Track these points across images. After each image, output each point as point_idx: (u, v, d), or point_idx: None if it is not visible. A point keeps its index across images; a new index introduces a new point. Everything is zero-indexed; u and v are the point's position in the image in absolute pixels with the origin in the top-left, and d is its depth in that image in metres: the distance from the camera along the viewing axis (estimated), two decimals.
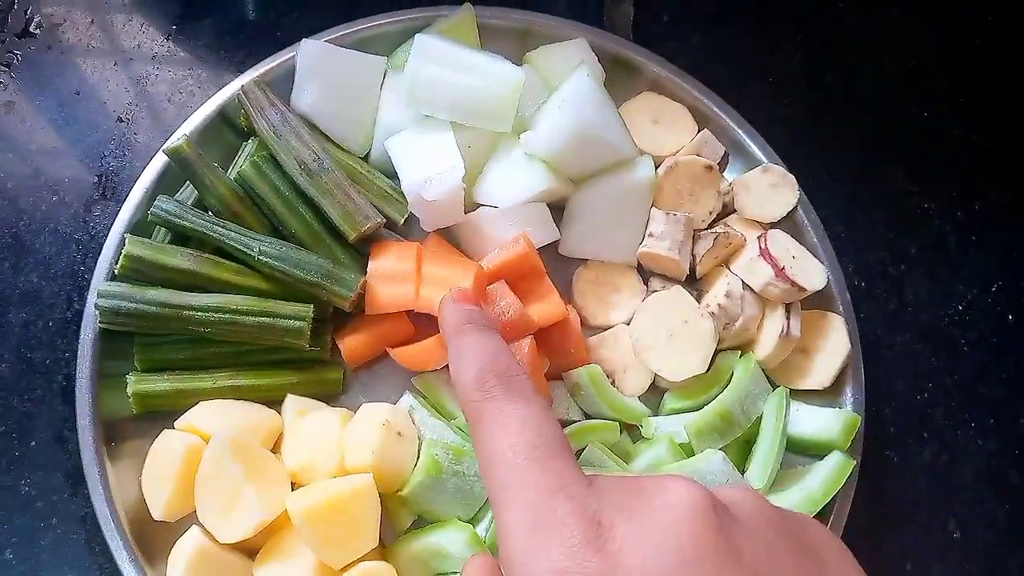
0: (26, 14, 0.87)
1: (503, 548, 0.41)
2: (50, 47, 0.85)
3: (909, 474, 0.79)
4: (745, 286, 0.74)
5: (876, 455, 0.79)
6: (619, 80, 0.83)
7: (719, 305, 0.73)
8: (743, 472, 0.71)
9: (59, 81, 0.84)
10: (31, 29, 0.86)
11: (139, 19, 0.88)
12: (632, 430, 0.75)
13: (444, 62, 0.73)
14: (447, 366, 0.71)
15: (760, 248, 0.73)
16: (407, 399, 0.72)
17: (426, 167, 0.72)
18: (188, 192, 0.75)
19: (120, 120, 0.83)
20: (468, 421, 0.49)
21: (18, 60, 0.85)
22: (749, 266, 0.74)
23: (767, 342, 0.74)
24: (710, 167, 0.77)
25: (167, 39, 0.87)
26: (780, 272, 0.72)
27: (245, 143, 0.77)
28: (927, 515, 0.78)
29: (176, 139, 0.72)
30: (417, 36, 0.73)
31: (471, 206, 0.77)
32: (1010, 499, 0.79)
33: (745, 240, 0.76)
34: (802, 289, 0.72)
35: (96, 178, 0.81)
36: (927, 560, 0.76)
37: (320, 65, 0.76)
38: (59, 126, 0.82)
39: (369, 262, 0.73)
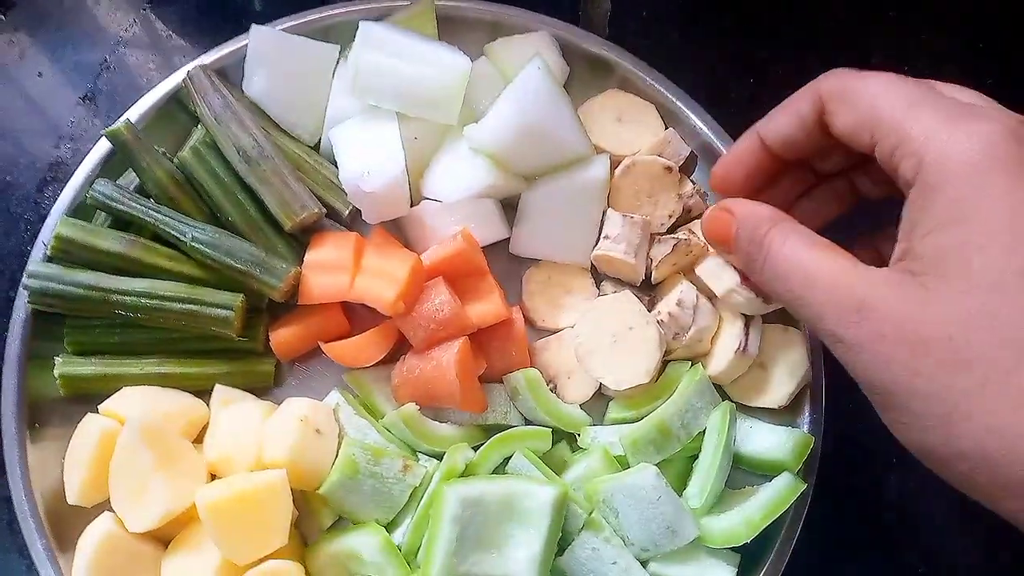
0: None
1: None
2: (16, 28, 0.86)
3: (874, 501, 0.74)
4: (701, 295, 0.70)
5: (840, 479, 0.73)
6: (589, 76, 0.80)
7: (669, 313, 0.69)
8: (683, 489, 0.67)
9: (22, 62, 0.84)
10: None
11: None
12: (573, 439, 0.71)
13: (389, 50, 0.70)
14: (379, 363, 0.70)
15: None
16: (334, 396, 0.70)
17: (366, 158, 0.70)
18: (133, 176, 0.74)
19: (81, 102, 0.83)
20: None
21: None
22: (715, 270, 0.70)
23: (722, 357, 0.70)
24: (670, 168, 0.73)
25: (135, 22, 0.86)
26: (746, 280, 0.67)
27: (195, 128, 0.75)
28: (891, 546, 0.73)
29: (119, 122, 0.71)
30: (361, 23, 0.71)
31: (419, 200, 0.74)
32: (979, 532, 0.73)
33: (708, 248, 0.72)
34: (766, 301, 0.68)
35: (51, 160, 0.81)
36: None
37: (270, 52, 0.74)
38: (19, 108, 0.83)
39: (307, 252, 0.71)
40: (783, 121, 0.56)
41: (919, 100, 0.47)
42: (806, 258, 0.49)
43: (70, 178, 0.76)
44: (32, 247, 0.77)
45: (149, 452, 0.63)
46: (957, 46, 0.89)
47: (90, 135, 0.82)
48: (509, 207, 0.76)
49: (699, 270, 0.71)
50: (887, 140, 0.47)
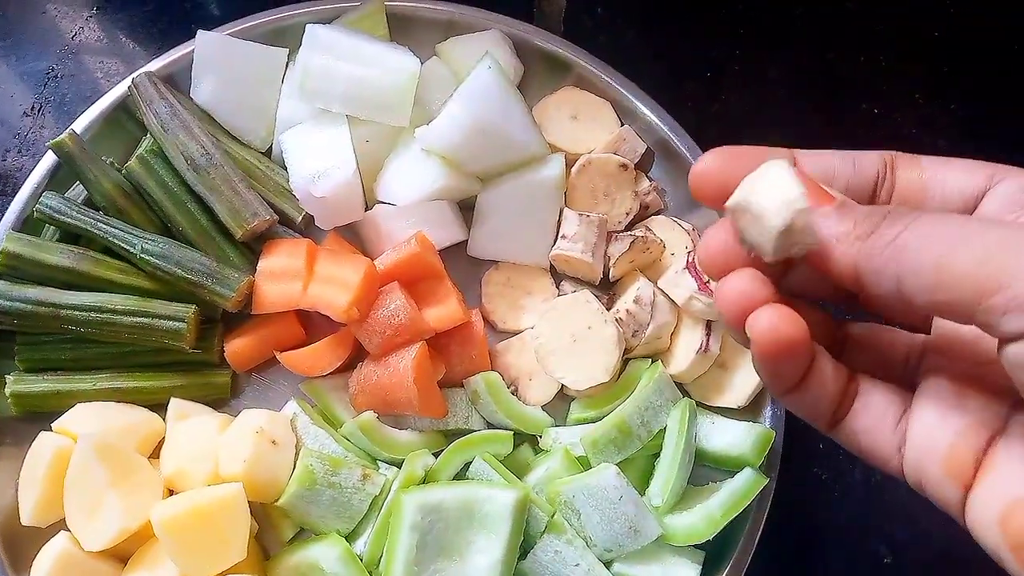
0: None
1: None
2: None
3: (838, 493, 0.74)
4: (658, 292, 0.70)
5: (803, 471, 0.74)
6: (544, 75, 0.79)
7: (627, 311, 0.69)
8: (646, 488, 0.66)
9: None
10: None
11: (55, 6, 0.85)
12: (536, 441, 0.71)
13: (336, 52, 0.69)
14: (336, 371, 0.69)
15: (687, 262, 0.69)
16: (291, 406, 0.69)
17: (316, 162, 0.69)
18: (82, 188, 0.73)
19: (27, 114, 0.81)
20: None
21: None
22: (673, 279, 0.70)
23: (683, 357, 0.70)
24: (625, 166, 0.73)
25: (82, 29, 0.84)
26: (704, 286, 0.67)
27: (143, 137, 0.74)
28: (856, 538, 0.73)
29: (63, 134, 0.70)
30: (308, 26, 0.70)
31: (374, 203, 0.73)
32: (946, 521, 0.72)
33: (664, 246, 0.72)
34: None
35: (5, 167, 0.79)
36: None
37: (217, 57, 0.73)
38: None
39: (259, 260, 0.70)
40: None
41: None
42: (959, 225, 0.33)
43: (17, 191, 0.75)
44: None
45: (103, 469, 0.62)
46: (919, 44, 0.89)
47: (38, 147, 0.81)
48: (467, 208, 0.75)
49: (660, 281, 0.71)
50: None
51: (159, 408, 0.69)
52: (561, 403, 0.72)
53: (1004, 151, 0.45)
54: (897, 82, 0.87)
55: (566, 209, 0.72)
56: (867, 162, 0.40)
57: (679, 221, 0.74)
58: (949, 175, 0.39)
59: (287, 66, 0.75)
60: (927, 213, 0.35)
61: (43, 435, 0.66)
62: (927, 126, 0.86)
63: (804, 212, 0.34)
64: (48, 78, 0.82)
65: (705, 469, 0.70)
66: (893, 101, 0.86)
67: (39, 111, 0.82)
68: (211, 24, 0.75)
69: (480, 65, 0.70)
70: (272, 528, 0.67)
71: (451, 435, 0.70)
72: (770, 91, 0.87)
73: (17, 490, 0.66)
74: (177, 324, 0.67)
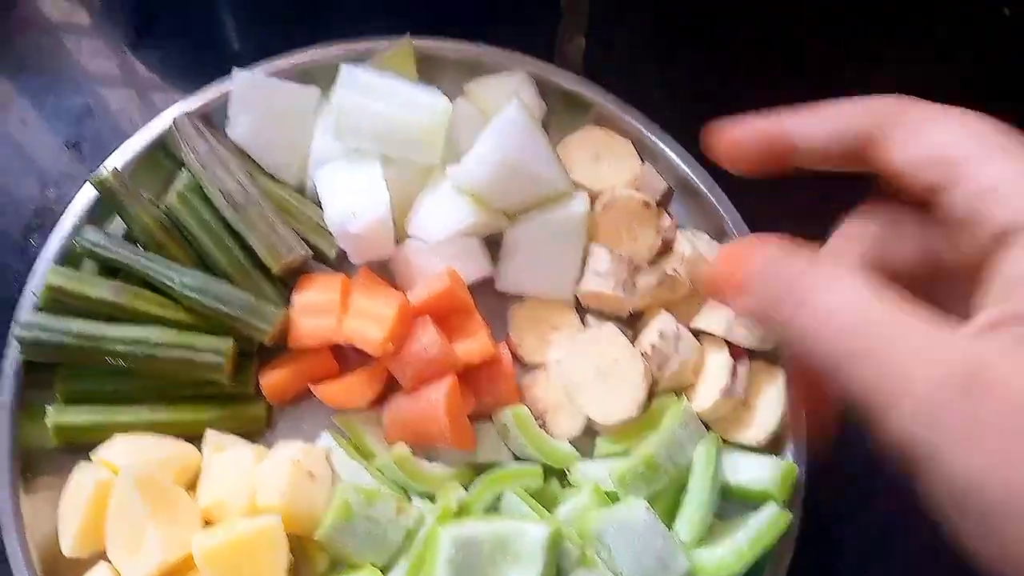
0: None
1: None
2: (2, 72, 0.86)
3: (859, 530, 0.75)
4: (681, 327, 0.72)
5: (825, 508, 0.74)
6: (565, 114, 0.81)
7: (652, 345, 0.71)
8: (672, 522, 0.68)
9: (5, 109, 0.84)
10: None
11: (95, 42, 0.88)
12: (563, 474, 0.72)
13: (370, 92, 0.72)
14: (372, 404, 0.71)
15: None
16: (326, 439, 0.70)
17: (351, 199, 0.71)
18: (120, 221, 0.74)
19: (65, 148, 0.83)
20: None
21: None
22: (710, 313, 0.72)
23: (707, 396, 0.71)
24: (648, 204, 0.75)
25: (116, 67, 0.87)
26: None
27: (179, 173, 0.76)
28: (879, 570, 0.74)
29: (105, 169, 0.72)
30: (343, 66, 0.72)
31: (404, 238, 0.75)
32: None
33: (690, 287, 0.74)
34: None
35: (37, 207, 0.81)
36: None
37: (253, 95, 0.75)
38: (4, 155, 0.83)
39: (293, 295, 0.72)
40: (818, 127, 0.46)
41: (1005, 143, 0.39)
42: (866, 310, 0.36)
43: (56, 224, 0.77)
44: (20, 295, 0.78)
45: (144, 502, 0.63)
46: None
47: (75, 181, 0.82)
48: (492, 243, 0.77)
49: (697, 318, 0.72)
50: (966, 184, 0.39)
51: (195, 440, 0.71)
52: (587, 436, 0.74)
53: None
54: None
55: (595, 246, 0.74)
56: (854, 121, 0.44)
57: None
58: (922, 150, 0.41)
59: (318, 104, 0.77)
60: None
61: (83, 465, 0.68)
62: None
63: None
64: (84, 114, 0.84)
65: (728, 503, 0.71)
66: None
67: (76, 147, 0.84)
68: (236, 60, 0.77)
69: (509, 106, 0.72)
70: (306, 562, 0.68)
71: (480, 468, 0.71)
72: None
73: (56, 520, 0.68)
74: (216, 357, 0.68)
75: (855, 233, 0.46)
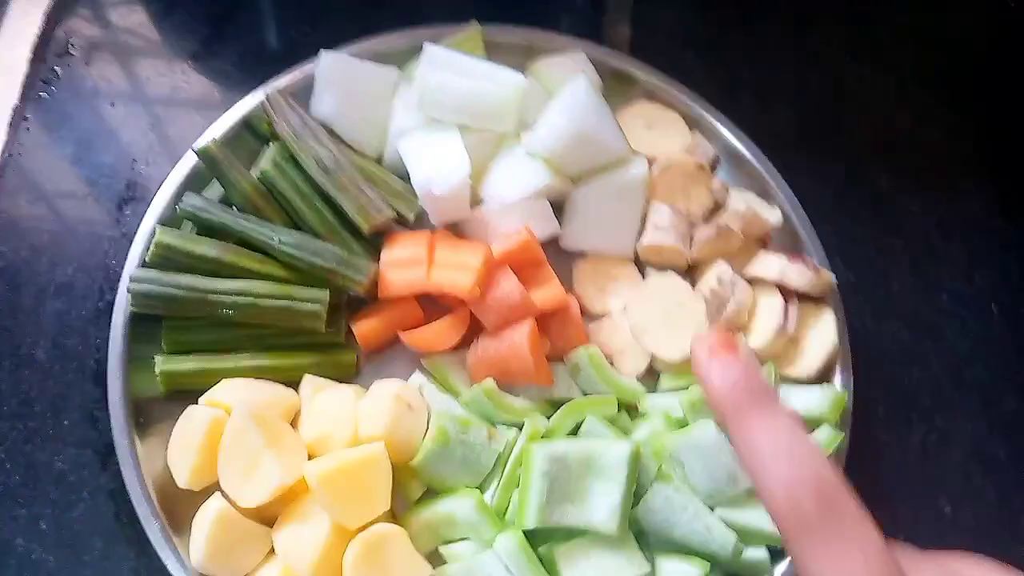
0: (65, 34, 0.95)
1: None
2: (87, 63, 0.93)
3: (900, 455, 0.82)
4: (736, 275, 0.79)
5: (868, 438, 0.82)
6: (616, 90, 0.89)
7: (711, 290, 0.78)
8: None
9: (96, 94, 0.91)
10: (68, 48, 0.94)
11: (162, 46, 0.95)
12: (631, 410, 0.79)
13: (451, 69, 0.79)
14: (454, 348, 0.77)
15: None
16: (417, 377, 0.76)
17: (434, 165, 0.78)
18: (211, 192, 0.81)
19: (150, 129, 0.90)
20: (784, 538, 0.42)
21: (58, 75, 0.92)
22: (763, 260, 0.79)
23: (762, 334, 0.78)
24: (701, 166, 0.82)
25: (182, 72, 0.94)
26: (794, 256, 0.77)
27: (265, 147, 0.82)
28: (919, 493, 0.81)
29: (204, 140, 0.78)
30: (426, 45, 0.80)
31: (477, 202, 0.82)
32: (998, 475, 0.82)
33: (743, 240, 0.81)
34: (819, 275, 0.77)
35: (127, 182, 0.87)
36: (920, 534, 0.79)
37: (337, 75, 0.83)
38: (96, 135, 0.89)
39: (383, 251, 0.78)
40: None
41: None
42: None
43: (147, 197, 0.83)
44: (114, 261, 0.84)
45: (259, 432, 0.68)
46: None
47: (160, 159, 0.88)
48: (555, 208, 0.84)
49: (748, 270, 0.80)
50: None
51: (291, 386, 0.77)
52: (648, 377, 0.80)
53: None
54: (925, 95, 0.98)
55: (655, 203, 0.81)
56: None
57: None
58: None
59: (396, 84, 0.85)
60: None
61: (193, 408, 0.73)
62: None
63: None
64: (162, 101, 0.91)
65: None
66: (923, 113, 0.98)
67: (157, 128, 0.90)
68: (276, 61, 0.85)
69: (576, 80, 0.80)
70: (398, 491, 0.73)
71: (555, 405, 0.77)
72: (813, 108, 0.97)
73: (166, 461, 0.73)
74: (315, 306, 0.74)
75: None
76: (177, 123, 0.91)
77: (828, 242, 0.84)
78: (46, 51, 0.93)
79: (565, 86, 0.80)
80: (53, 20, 0.95)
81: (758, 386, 0.47)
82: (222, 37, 0.96)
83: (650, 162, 0.83)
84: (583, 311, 0.83)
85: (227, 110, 0.83)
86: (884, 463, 0.82)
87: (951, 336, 0.87)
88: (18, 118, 0.90)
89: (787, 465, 0.43)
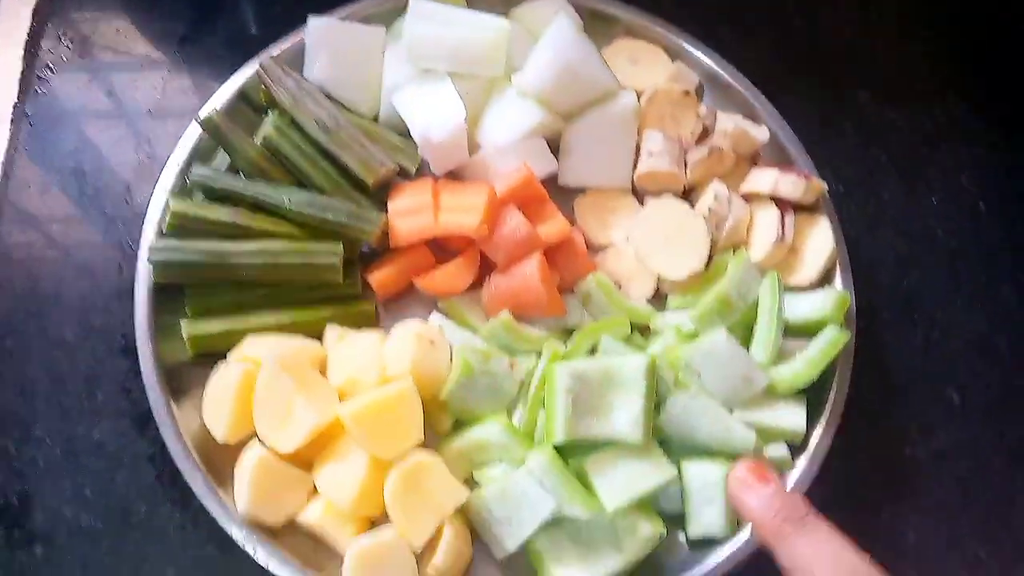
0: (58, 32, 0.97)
1: None
2: (82, 56, 0.95)
3: (906, 352, 0.86)
4: (731, 192, 0.82)
5: (872, 339, 0.85)
6: (596, 30, 0.91)
7: (709, 209, 0.81)
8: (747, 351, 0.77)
9: (91, 86, 0.93)
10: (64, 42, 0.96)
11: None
12: (643, 331, 0.81)
13: (436, 19, 0.82)
14: (467, 290, 0.80)
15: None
16: (435, 317, 0.79)
17: (430, 113, 0.80)
18: (215, 163, 0.83)
19: (149, 114, 0.92)
20: None
21: (53, 70, 0.94)
22: (756, 175, 0.82)
23: (761, 247, 0.81)
24: (687, 92, 0.85)
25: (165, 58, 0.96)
26: (784, 168, 0.80)
27: (264, 116, 0.84)
28: (927, 385, 0.84)
29: (206, 111, 0.81)
30: (411, 0, 0.82)
31: (474, 149, 0.85)
32: (1001, 364, 0.85)
33: (735, 159, 0.84)
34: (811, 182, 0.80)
35: (134, 166, 0.89)
36: (931, 423, 0.82)
37: (326, 39, 0.85)
38: (98, 124, 0.91)
39: (389, 202, 0.81)
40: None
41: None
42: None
43: (152, 178, 0.85)
44: (128, 239, 0.86)
45: (289, 379, 0.71)
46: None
47: (163, 142, 0.91)
48: (551, 146, 0.86)
49: (743, 187, 0.82)
50: None
51: (314, 338, 0.79)
52: (655, 300, 0.83)
53: None
54: (899, 14, 1.01)
55: (648, 130, 0.84)
56: None
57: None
58: None
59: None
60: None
61: (222, 366, 0.75)
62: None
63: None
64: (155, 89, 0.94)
65: (787, 341, 0.80)
66: (898, 29, 1.00)
67: (155, 114, 0.92)
68: (252, 44, 0.87)
69: (558, 19, 0.82)
70: (430, 424, 0.76)
71: (568, 333, 0.80)
72: (791, 33, 1.00)
73: (201, 421, 0.75)
74: (331, 258, 0.77)
75: None
76: (175, 102, 0.93)
77: (817, 157, 0.87)
78: (38, 48, 0.96)
79: (549, 26, 0.83)
80: (44, 16, 0.97)
81: (795, 510, 0.56)
82: (209, 20, 0.98)
83: (638, 95, 0.86)
84: (588, 245, 0.85)
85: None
86: (892, 362, 0.85)
87: (943, 236, 0.91)
88: (19, 113, 0.92)
89: (832, 571, 0.51)
